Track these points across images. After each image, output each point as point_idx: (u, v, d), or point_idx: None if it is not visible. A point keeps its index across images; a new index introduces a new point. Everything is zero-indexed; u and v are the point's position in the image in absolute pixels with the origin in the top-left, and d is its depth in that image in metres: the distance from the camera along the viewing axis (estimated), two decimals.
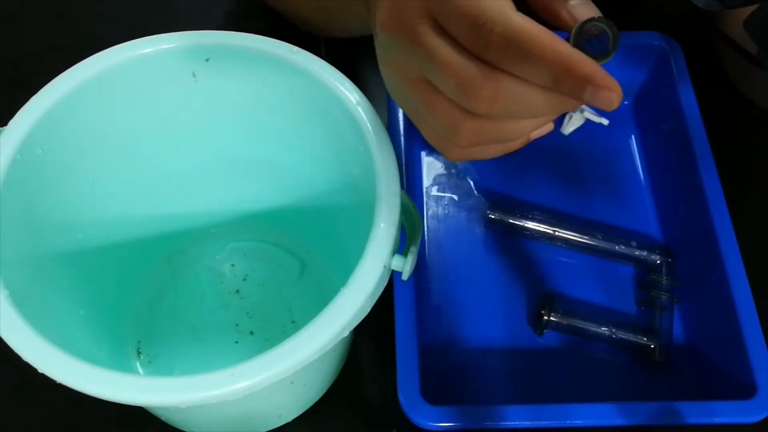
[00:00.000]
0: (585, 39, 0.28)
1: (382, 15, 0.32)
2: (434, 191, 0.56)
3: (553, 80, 0.27)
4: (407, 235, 0.38)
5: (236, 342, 0.49)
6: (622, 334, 0.49)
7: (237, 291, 0.51)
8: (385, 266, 0.34)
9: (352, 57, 0.59)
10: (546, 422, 0.43)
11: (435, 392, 0.43)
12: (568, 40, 0.28)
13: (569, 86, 0.27)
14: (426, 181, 0.57)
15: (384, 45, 0.33)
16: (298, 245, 0.53)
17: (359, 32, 0.56)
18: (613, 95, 0.26)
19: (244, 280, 0.52)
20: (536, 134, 0.34)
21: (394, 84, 0.34)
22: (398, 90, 0.34)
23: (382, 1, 0.33)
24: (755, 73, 0.58)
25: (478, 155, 0.34)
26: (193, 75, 0.42)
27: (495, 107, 0.29)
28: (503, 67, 0.28)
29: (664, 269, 0.52)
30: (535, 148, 0.57)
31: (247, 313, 0.50)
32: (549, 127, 0.34)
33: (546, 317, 0.49)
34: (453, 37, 0.29)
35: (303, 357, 0.32)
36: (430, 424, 0.42)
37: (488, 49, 0.28)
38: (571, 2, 0.30)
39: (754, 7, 0.44)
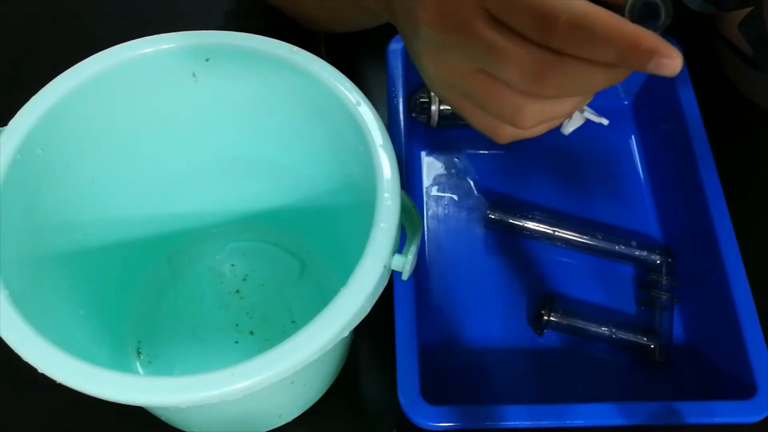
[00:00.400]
0: (638, 12, 0.30)
1: (428, 13, 0.33)
2: (434, 191, 0.56)
3: (619, 57, 0.28)
4: (407, 235, 0.38)
5: (236, 342, 0.49)
6: (622, 334, 0.49)
7: (237, 291, 0.51)
8: (385, 266, 0.34)
9: (352, 57, 0.59)
10: (546, 422, 0.43)
11: (435, 392, 0.43)
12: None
13: (635, 60, 0.28)
14: (426, 181, 0.57)
15: (430, 42, 0.34)
16: (298, 245, 0.53)
17: (364, 25, 0.56)
18: (677, 62, 0.27)
19: (244, 280, 0.52)
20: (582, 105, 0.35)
21: (445, 80, 0.35)
22: (446, 83, 0.35)
23: (426, 1, 0.33)
24: (754, 74, 0.58)
25: (529, 134, 0.36)
26: (193, 75, 0.42)
27: (563, 90, 0.30)
28: (570, 51, 0.29)
29: (664, 269, 0.52)
30: (535, 148, 0.57)
31: (247, 313, 0.50)
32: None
33: (546, 317, 0.49)
34: (513, 29, 0.30)
35: (303, 357, 0.32)
36: (430, 424, 0.42)
37: (554, 36, 0.29)
38: None
39: (749, 9, 0.44)
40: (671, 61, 0.27)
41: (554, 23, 0.28)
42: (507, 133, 0.36)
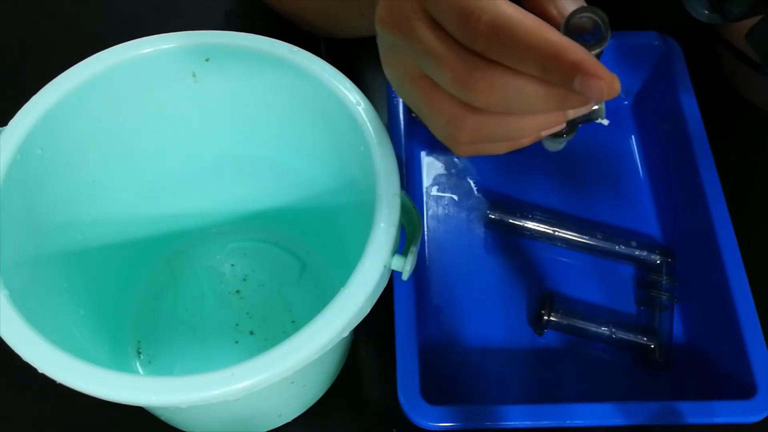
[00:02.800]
0: (578, 34, 0.28)
1: (380, 12, 0.32)
2: (434, 191, 0.56)
3: (541, 69, 0.26)
4: (407, 235, 0.38)
5: (236, 342, 0.49)
6: (622, 334, 0.49)
7: (237, 291, 0.51)
8: (385, 266, 0.34)
9: (352, 57, 0.59)
10: (546, 422, 0.43)
11: (435, 392, 0.43)
12: None
13: (558, 75, 0.26)
14: (426, 181, 0.57)
15: (383, 42, 0.34)
16: (298, 245, 0.53)
17: (366, 32, 0.56)
18: (602, 84, 0.25)
19: (244, 280, 0.52)
20: (545, 133, 0.33)
21: (396, 81, 0.34)
22: (400, 87, 0.34)
23: (381, 0, 0.33)
24: (755, 76, 0.58)
25: (484, 151, 0.34)
26: (193, 75, 0.42)
27: (491, 99, 0.28)
28: (492, 56, 0.27)
29: (664, 269, 0.52)
30: (535, 148, 0.57)
31: (247, 313, 0.50)
32: (559, 127, 0.32)
33: (546, 317, 0.49)
34: (446, 30, 0.29)
35: (303, 357, 0.32)
36: (430, 424, 0.42)
37: (477, 38, 0.27)
38: None
39: (757, 19, 0.44)
40: (598, 82, 0.25)
41: (476, 23, 0.27)
42: (460, 147, 0.33)
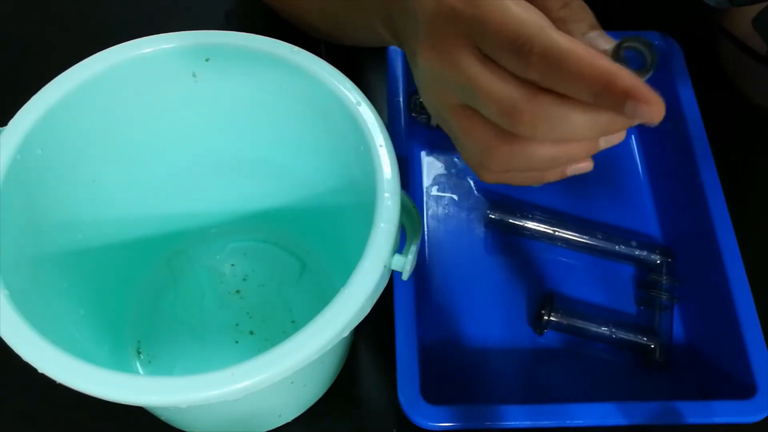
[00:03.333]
0: (623, 63, 0.29)
1: (422, 47, 0.33)
2: (434, 191, 0.56)
3: (593, 94, 0.27)
4: (407, 235, 0.38)
5: (236, 342, 0.49)
6: (622, 334, 0.49)
7: (237, 291, 0.51)
8: (385, 266, 0.34)
9: (352, 57, 0.59)
10: (546, 422, 0.43)
11: (435, 392, 0.43)
12: None
13: (610, 100, 0.26)
14: (426, 181, 0.57)
15: (425, 73, 0.34)
16: (298, 245, 0.53)
17: (372, 45, 0.56)
18: (653, 109, 0.26)
19: (244, 280, 0.52)
20: (571, 170, 0.34)
21: (434, 110, 0.35)
22: (438, 114, 0.35)
23: (422, 33, 0.33)
24: (759, 72, 0.58)
25: (511, 180, 0.35)
26: (193, 75, 0.42)
27: (537, 130, 0.29)
28: (545, 84, 0.28)
29: (664, 269, 0.52)
30: None
31: (247, 313, 0.50)
32: (587, 165, 0.34)
33: (546, 317, 0.49)
34: (495, 61, 0.30)
35: (303, 357, 0.32)
36: (430, 424, 0.42)
37: (529, 67, 0.28)
38: (590, 35, 0.31)
39: (763, 5, 0.44)
40: (649, 108, 0.26)
41: (528, 53, 0.28)
42: (489, 175, 0.35)
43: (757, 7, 0.44)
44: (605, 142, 0.33)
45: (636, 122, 0.27)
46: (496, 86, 0.30)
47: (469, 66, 0.31)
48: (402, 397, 0.43)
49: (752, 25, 0.44)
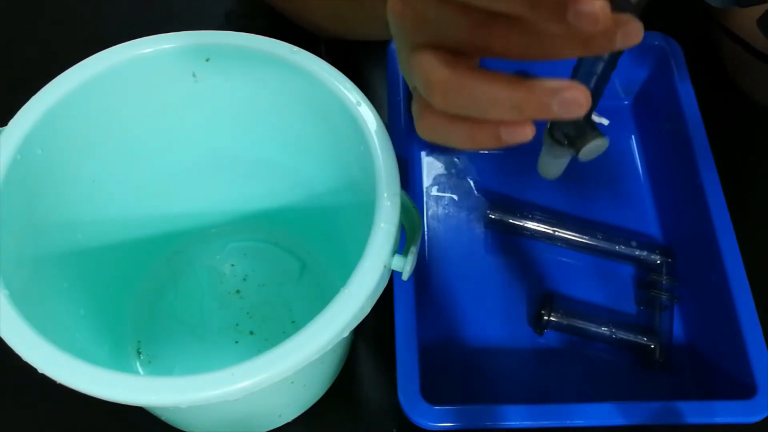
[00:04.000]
0: None
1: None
2: (434, 191, 0.56)
3: (530, 6, 0.22)
4: (407, 235, 0.38)
5: (236, 342, 0.49)
6: (622, 334, 0.49)
7: (237, 291, 0.51)
8: (385, 266, 0.34)
9: (352, 57, 0.59)
10: (546, 422, 0.43)
11: (435, 392, 0.43)
12: None
13: (547, 7, 0.22)
14: (426, 181, 0.57)
15: (394, 29, 0.32)
16: (298, 245, 0.53)
17: (375, 37, 0.55)
18: (596, 4, 0.20)
19: (244, 280, 0.52)
20: (506, 135, 0.27)
21: (403, 71, 0.33)
22: (405, 73, 0.33)
23: None
24: (760, 71, 0.58)
25: (444, 139, 0.30)
26: (193, 75, 0.42)
27: (449, 101, 0.27)
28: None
29: (664, 269, 0.52)
30: (535, 148, 0.57)
31: (247, 313, 0.50)
32: (524, 131, 0.27)
33: (546, 317, 0.49)
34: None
35: (303, 357, 0.32)
36: (430, 424, 0.42)
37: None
38: None
39: (767, 6, 0.44)
40: (589, 5, 0.20)
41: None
42: (424, 120, 0.30)
43: (761, 7, 0.44)
44: (558, 108, 0.25)
45: (584, 28, 0.21)
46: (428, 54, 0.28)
47: (425, 7, 0.28)
48: (402, 397, 0.43)
49: (757, 24, 0.44)
